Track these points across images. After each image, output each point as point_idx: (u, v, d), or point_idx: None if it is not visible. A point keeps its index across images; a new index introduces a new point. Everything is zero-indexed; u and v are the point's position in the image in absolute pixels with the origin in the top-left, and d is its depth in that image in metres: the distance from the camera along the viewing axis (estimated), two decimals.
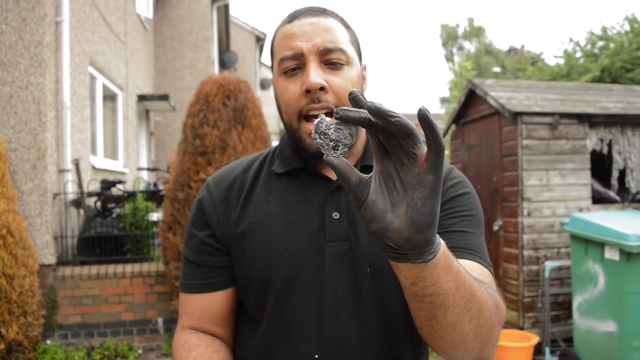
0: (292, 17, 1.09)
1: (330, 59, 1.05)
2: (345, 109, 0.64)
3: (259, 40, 17.23)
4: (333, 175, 1.13)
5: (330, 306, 1.05)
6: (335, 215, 1.08)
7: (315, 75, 1.02)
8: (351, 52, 1.09)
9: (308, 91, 1.04)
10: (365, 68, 1.18)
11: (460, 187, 1.14)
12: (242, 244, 1.12)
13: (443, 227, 1.07)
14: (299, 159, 1.15)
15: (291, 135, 1.11)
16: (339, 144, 0.71)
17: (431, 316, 0.82)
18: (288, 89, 1.07)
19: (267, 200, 1.14)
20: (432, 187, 0.65)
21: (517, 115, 4.73)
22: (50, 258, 5.06)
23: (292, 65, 1.06)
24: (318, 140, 0.72)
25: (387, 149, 0.68)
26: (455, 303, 0.80)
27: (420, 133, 0.65)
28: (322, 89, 1.03)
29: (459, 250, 1.03)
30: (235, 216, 1.15)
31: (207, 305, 1.15)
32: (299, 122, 1.08)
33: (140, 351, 4.98)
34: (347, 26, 1.13)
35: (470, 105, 5.80)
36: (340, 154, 0.71)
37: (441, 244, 0.75)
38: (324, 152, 0.71)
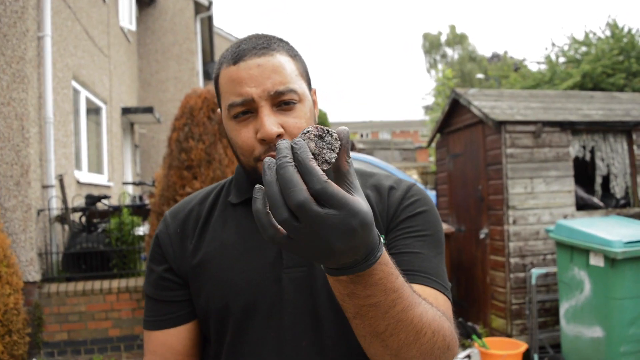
0: (237, 58, 1.02)
1: (282, 100, 1.01)
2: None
3: None
4: None
5: (289, 334, 1.03)
6: None
7: (271, 124, 0.98)
8: (301, 87, 1.05)
9: (262, 139, 1.00)
10: (315, 92, 1.14)
11: (418, 206, 1.11)
12: (199, 275, 1.10)
13: (397, 248, 1.04)
14: None
15: (250, 174, 1.08)
16: (319, 157, 0.68)
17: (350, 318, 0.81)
18: (241, 135, 1.03)
19: (223, 230, 1.12)
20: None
21: (500, 124, 4.78)
22: (35, 275, 5.00)
23: (241, 110, 1.01)
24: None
25: None
26: (377, 323, 0.78)
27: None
28: (279, 135, 0.99)
29: (411, 273, 0.99)
30: (191, 248, 1.13)
31: (169, 342, 1.12)
32: (256, 163, 1.04)
33: None
34: (293, 56, 1.07)
35: (454, 114, 5.84)
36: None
37: (364, 267, 0.72)
38: None
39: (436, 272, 1.03)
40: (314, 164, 0.64)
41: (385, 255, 0.75)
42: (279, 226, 0.66)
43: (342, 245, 0.65)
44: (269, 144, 1.00)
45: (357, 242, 0.66)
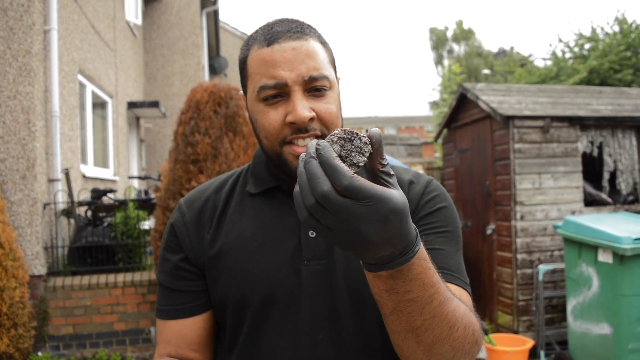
0: (271, 40, 1.01)
1: (314, 87, 1.01)
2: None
3: None
4: None
5: (306, 327, 1.03)
6: (312, 233, 1.06)
7: (303, 107, 0.98)
8: (332, 74, 1.05)
9: (292, 122, 0.99)
10: (339, 80, 1.14)
11: (438, 202, 1.11)
12: (216, 265, 1.09)
13: None
14: (274, 178, 1.13)
15: (272, 158, 1.07)
16: (347, 160, 0.68)
17: (386, 316, 0.82)
18: (269, 116, 1.02)
19: (241, 221, 1.11)
20: (341, 220, 0.67)
21: (508, 119, 4.74)
22: (40, 269, 5.00)
23: (273, 93, 1.00)
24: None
25: None
26: (424, 316, 0.79)
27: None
28: (310, 119, 0.99)
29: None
30: (209, 238, 1.12)
31: (184, 331, 1.11)
32: (282, 147, 1.03)
33: None
34: (324, 43, 1.07)
35: (461, 109, 5.81)
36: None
37: (403, 261, 0.73)
38: None
39: (458, 269, 1.05)
40: (338, 161, 0.65)
41: (422, 250, 0.76)
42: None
43: (376, 235, 0.67)
44: (299, 127, 1.00)
45: (391, 232, 0.67)
